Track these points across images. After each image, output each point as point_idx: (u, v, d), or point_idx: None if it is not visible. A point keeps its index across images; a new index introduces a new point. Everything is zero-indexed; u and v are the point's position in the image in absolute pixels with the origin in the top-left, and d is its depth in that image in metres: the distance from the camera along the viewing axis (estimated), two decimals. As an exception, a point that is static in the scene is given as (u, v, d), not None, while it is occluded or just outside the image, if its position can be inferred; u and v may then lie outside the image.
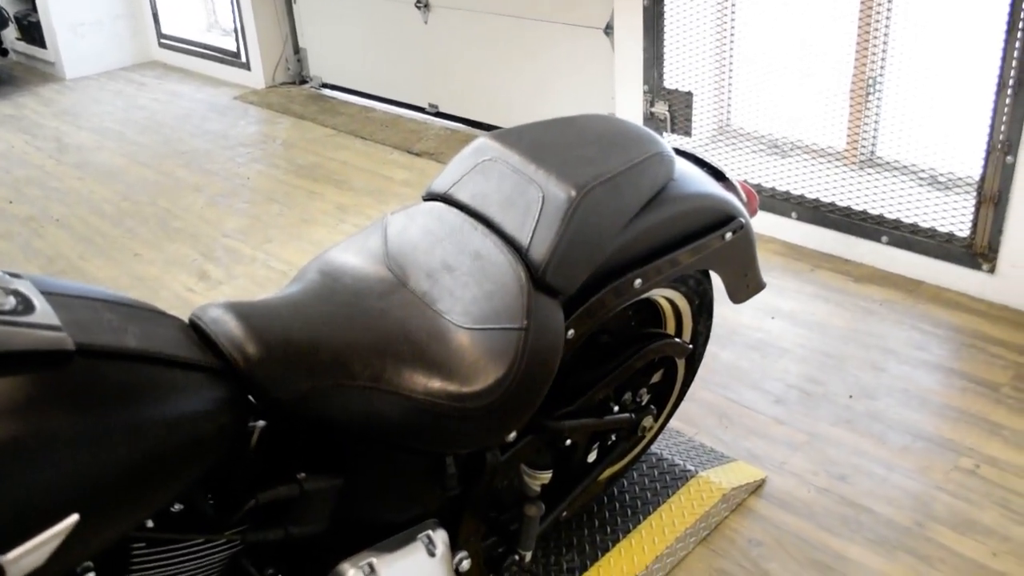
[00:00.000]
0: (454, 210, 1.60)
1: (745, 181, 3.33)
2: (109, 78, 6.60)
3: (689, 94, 3.57)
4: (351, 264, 1.55)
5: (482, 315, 1.45)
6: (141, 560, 1.22)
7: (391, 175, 4.43)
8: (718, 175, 1.90)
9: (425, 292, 1.51)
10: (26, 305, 1.06)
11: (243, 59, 6.04)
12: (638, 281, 1.67)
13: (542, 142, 1.62)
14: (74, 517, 0.98)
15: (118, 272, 3.63)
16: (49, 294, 1.14)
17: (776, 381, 2.68)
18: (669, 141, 3.68)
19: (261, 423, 1.36)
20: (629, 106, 3.78)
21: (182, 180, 4.53)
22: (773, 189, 3.44)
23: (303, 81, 6.00)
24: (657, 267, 1.70)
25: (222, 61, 6.26)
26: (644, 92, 3.69)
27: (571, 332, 1.59)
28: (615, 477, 2.12)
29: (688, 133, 3.63)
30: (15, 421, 0.96)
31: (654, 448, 2.31)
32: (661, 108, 3.66)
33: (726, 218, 1.82)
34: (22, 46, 7.07)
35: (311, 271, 1.55)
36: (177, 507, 1.26)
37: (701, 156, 1.92)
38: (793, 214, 3.40)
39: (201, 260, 3.69)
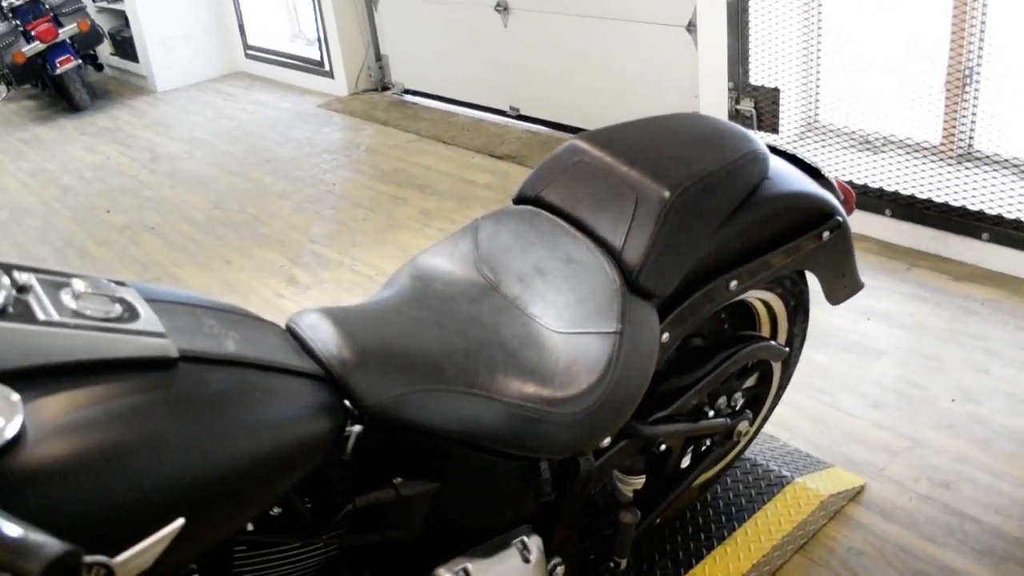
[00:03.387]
0: (545, 213, 1.58)
1: (839, 179, 3.25)
2: (198, 89, 6.78)
3: (776, 90, 3.49)
4: (443, 269, 1.55)
5: (576, 319, 1.43)
6: (242, 562, 1.24)
7: (474, 179, 4.44)
8: (814, 173, 1.84)
9: (517, 296, 1.50)
10: (131, 312, 1.08)
11: (327, 67, 6.14)
12: (733, 283, 1.63)
13: (633, 143, 1.60)
14: (180, 521, 0.99)
15: (210, 279, 3.71)
16: (152, 301, 1.16)
17: (873, 384, 2.59)
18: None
19: (357, 428, 1.36)
20: (714, 104, 3.72)
21: (269, 187, 4.62)
22: (865, 186, 3.34)
23: (385, 88, 6.07)
24: (752, 268, 1.65)
25: (306, 70, 6.37)
26: (729, 89, 3.62)
27: (665, 336, 1.56)
28: (709, 483, 2.08)
29: (775, 130, 3.55)
30: (122, 426, 0.98)
31: (748, 453, 2.26)
32: (747, 105, 3.59)
33: (823, 217, 1.77)
34: (116, 61, 7.32)
35: (403, 276, 1.55)
36: (276, 511, 1.27)
37: (795, 153, 1.87)
38: (887, 211, 3.29)
39: (289, 266, 3.75)
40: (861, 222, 3.37)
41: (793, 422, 2.47)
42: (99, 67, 7.31)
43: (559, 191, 1.60)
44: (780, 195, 1.68)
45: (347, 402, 1.28)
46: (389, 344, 1.32)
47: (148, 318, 1.09)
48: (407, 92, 5.89)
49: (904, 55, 3.32)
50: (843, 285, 1.94)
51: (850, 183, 3.37)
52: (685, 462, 1.92)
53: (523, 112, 5.06)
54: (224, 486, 1.05)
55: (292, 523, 1.28)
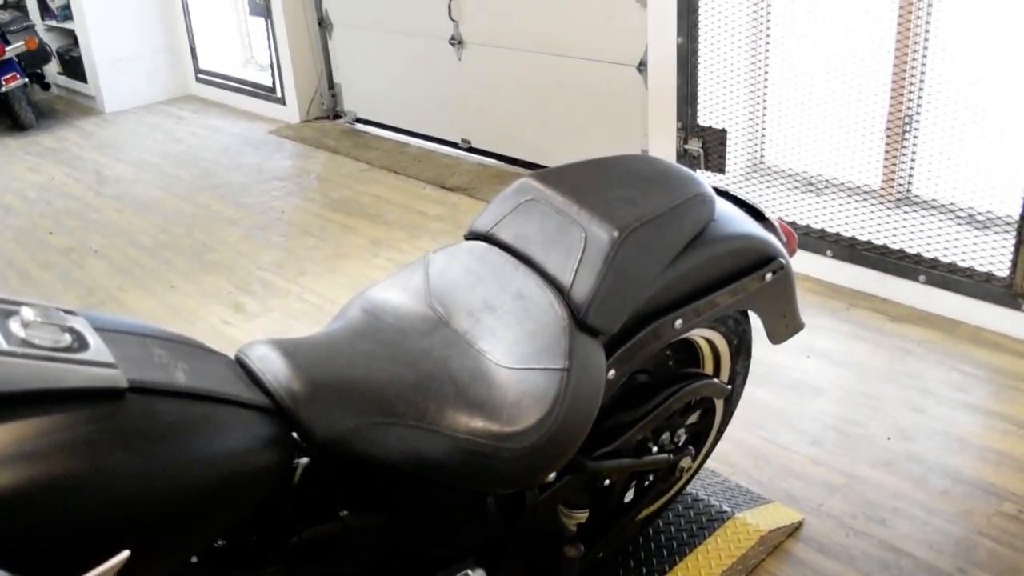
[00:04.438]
0: (496, 250, 1.61)
1: (783, 219, 3.33)
2: (148, 112, 6.71)
3: (723, 131, 3.57)
4: (393, 302, 1.57)
5: (524, 355, 1.46)
6: (185, 597, 1.23)
7: (424, 210, 4.46)
8: (757, 215, 1.90)
9: (467, 331, 1.52)
10: (81, 342, 1.08)
11: (278, 94, 6.13)
12: (678, 322, 1.67)
13: (584, 183, 1.63)
14: (125, 553, 0.99)
15: (155, 303, 3.67)
16: (102, 330, 1.16)
17: (813, 421, 2.65)
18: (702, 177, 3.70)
19: (304, 460, 1.36)
20: (662, 143, 3.80)
21: (218, 213, 4.59)
22: (808, 227, 3.43)
23: (337, 116, 6.07)
24: (697, 308, 1.70)
25: (258, 96, 6.35)
26: (678, 129, 3.70)
27: (612, 372, 1.59)
28: (651, 517, 2.10)
29: (722, 170, 3.63)
30: (69, 457, 0.97)
31: (690, 488, 2.29)
32: (695, 145, 3.67)
33: (766, 259, 1.82)
34: (63, 80, 7.22)
35: (353, 309, 1.56)
36: (220, 543, 1.27)
37: (740, 196, 1.93)
38: (828, 252, 3.38)
39: (236, 292, 3.73)
40: (803, 262, 3.46)
41: (734, 458, 2.51)
42: (46, 86, 7.22)
43: (510, 228, 1.62)
44: (726, 237, 1.73)
45: (296, 435, 1.28)
46: (340, 377, 1.32)
47: (98, 348, 1.09)
48: (359, 121, 5.90)
49: (848, 100, 3.43)
50: (785, 325, 1.99)
51: (793, 223, 3.46)
52: (628, 496, 1.95)
53: (474, 145, 5.10)
54: (171, 518, 1.04)
55: (236, 555, 1.27)
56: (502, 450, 1.37)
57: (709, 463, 2.46)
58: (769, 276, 1.82)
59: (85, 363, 1.04)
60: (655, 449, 1.84)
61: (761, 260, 1.81)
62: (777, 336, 1.98)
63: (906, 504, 2.31)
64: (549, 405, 1.40)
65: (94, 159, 5.65)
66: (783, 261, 1.85)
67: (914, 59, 3.20)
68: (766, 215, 1.90)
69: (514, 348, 1.47)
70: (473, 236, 1.68)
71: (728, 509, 2.23)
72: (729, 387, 1.95)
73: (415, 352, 1.45)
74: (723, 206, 1.81)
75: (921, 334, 3.06)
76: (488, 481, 1.39)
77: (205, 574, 1.24)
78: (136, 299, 3.72)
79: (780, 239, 1.92)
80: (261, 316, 3.52)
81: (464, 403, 1.39)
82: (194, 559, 1.23)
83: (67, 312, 1.15)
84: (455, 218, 4.32)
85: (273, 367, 1.29)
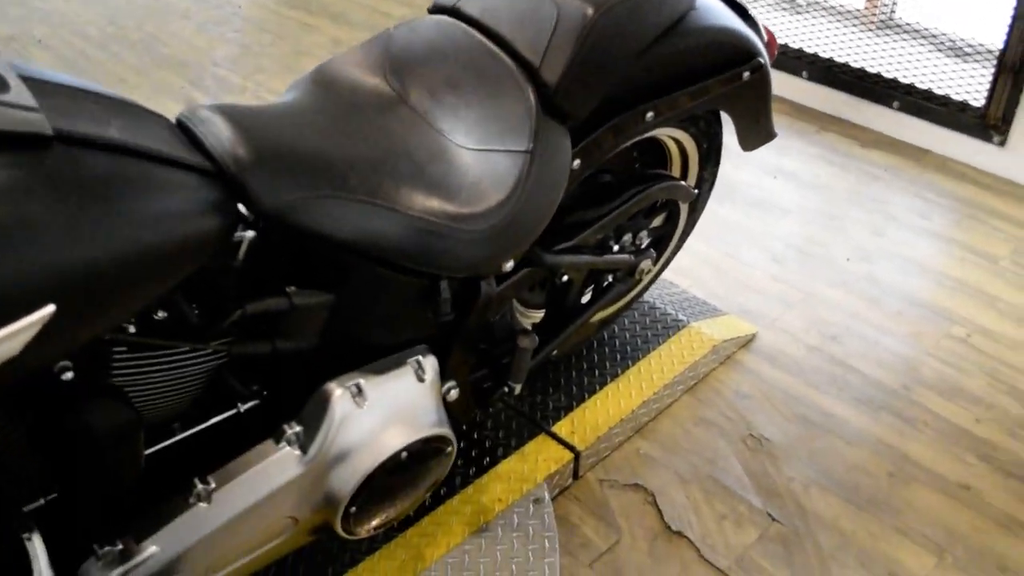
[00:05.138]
0: (462, 25, 1.50)
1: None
2: None
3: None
4: (350, 76, 1.47)
5: (486, 136, 1.38)
6: (122, 364, 1.19)
7: (390, 11, 4.25)
8: (741, 11, 1.79)
9: (427, 110, 1.43)
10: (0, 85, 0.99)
11: None
12: (650, 114, 1.59)
13: None
14: (50, 308, 0.93)
15: (103, 96, 3.49)
16: (27, 79, 1.06)
17: (775, 239, 2.64)
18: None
19: (251, 234, 1.30)
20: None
21: (170, 5, 4.33)
22: (785, 45, 3.32)
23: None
24: (671, 100, 1.62)
25: None
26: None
27: (577, 162, 1.52)
28: (607, 321, 2.09)
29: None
30: None
31: (647, 297, 2.28)
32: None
33: (746, 56, 1.73)
34: None
35: (306, 82, 1.46)
36: (161, 314, 1.21)
37: (723, -11, 1.81)
38: (804, 73, 3.28)
39: (189, 88, 3.56)
40: (778, 82, 3.36)
41: (694, 270, 2.50)
42: None
43: (478, 3, 1.51)
44: (705, 28, 1.63)
45: (241, 205, 1.21)
46: (290, 145, 1.24)
47: (19, 91, 0.99)
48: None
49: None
50: (757, 131, 1.92)
51: (771, 42, 3.34)
52: (586, 298, 1.92)
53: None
54: (99, 277, 0.98)
55: (178, 327, 1.22)
56: (459, 231, 1.32)
57: (668, 274, 2.44)
58: (747, 75, 1.74)
59: (3, 104, 0.95)
60: (616, 249, 1.80)
61: (740, 57, 1.72)
62: (749, 142, 1.92)
63: (859, 323, 2.32)
64: (510, 187, 1.34)
65: (36, -57, 5.27)
66: (762, 60, 1.76)
67: None
68: (749, 12, 1.80)
69: (476, 129, 1.39)
70: (438, 9, 1.56)
71: (684, 318, 2.23)
72: (696, 191, 1.90)
73: (370, 128, 1.37)
74: (705, -4, 1.70)
75: (889, 160, 3.01)
76: (443, 264, 1.34)
77: (142, 344, 1.19)
78: (83, 90, 3.54)
79: (761, 38, 1.82)
80: (215, 113, 3.37)
81: (421, 182, 1.32)
82: (132, 328, 1.18)
83: (-13, 51, 1.04)
84: (421, 23, 4.12)
85: (217, 131, 1.20)
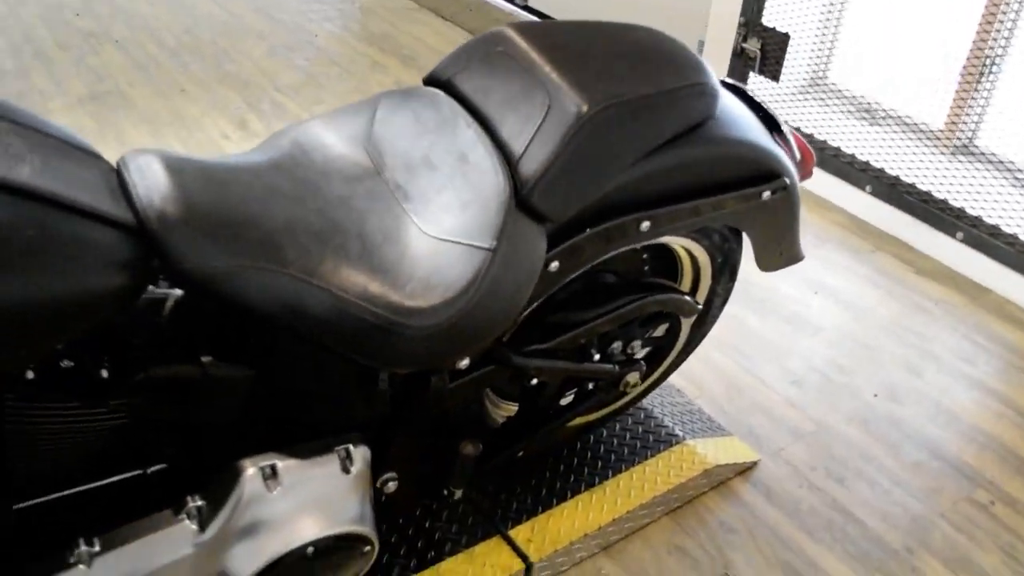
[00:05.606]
0: (452, 101, 1.40)
1: (798, 130, 3.06)
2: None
3: (786, 35, 3.26)
4: (328, 140, 1.38)
5: (451, 226, 1.28)
6: (13, 413, 1.11)
7: (461, 61, 4.20)
8: (771, 123, 1.66)
9: (399, 186, 1.34)
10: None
11: (345, -87, 5.79)
12: (646, 224, 1.47)
13: (566, 44, 1.41)
14: None
15: (161, 105, 3.51)
16: None
17: (800, 359, 2.47)
18: (752, 82, 3.41)
19: (178, 292, 1.22)
20: (720, 37, 3.49)
21: (249, 24, 4.37)
22: (852, 156, 3.16)
23: (400, -52, 5.74)
24: (672, 213, 1.49)
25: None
26: (739, 24, 3.39)
27: (555, 264, 1.41)
28: (589, 426, 1.96)
29: (776, 78, 3.34)
30: None
31: (645, 403, 2.14)
32: (753, 45, 3.36)
33: (768, 174, 1.60)
34: None
35: (283, 137, 1.38)
36: (66, 363, 1.13)
37: (757, 99, 1.69)
38: (868, 187, 3.12)
39: (245, 109, 3.55)
40: (839, 193, 3.20)
41: (704, 380, 2.35)
42: None
43: (472, 79, 1.41)
44: (722, 139, 1.50)
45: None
46: (226, 207, 1.16)
47: None
48: (422, -43, 5.57)
49: (929, 29, 3.10)
50: (779, 252, 1.78)
51: (836, 150, 3.19)
52: (567, 399, 1.79)
53: (530, 4, 4.78)
54: None
55: (78, 380, 1.14)
56: (400, 325, 1.21)
57: (676, 380, 2.30)
58: (767, 195, 1.61)
59: None
60: (597, 357, 1.67)
61: (760, 175, 1.59)
62: (767, 263, 1.78)
63: (872, 468, 2.14)
64: (463, 286, 1.23)
65: (142, -54, 5.41)
66: (787, 181, 1.63)
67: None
68: (781, 125, 1.67)
69: (442, 216, 1.29)
70: (432, 81, 1.47)
71: (680, 433, 2.08)
72: (699, 306, 1.76)
73: (330, 197, 1.28)
74: (730, 104, 1.58)
75: (942, 293, 2.82)
76: (379, 357, 1.23)
77: (42, 395, 1.11)
78: (143, 97, 3.56)
79: (793, 156, 1.69)
80: (263, 136, 3.35)
81: (368, 265, 1.22)
82: (30, 375, 1.10)
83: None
84: (490, 76, 4.07)
85: (149, 181, 1.12)
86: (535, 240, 1.31)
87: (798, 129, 3.30)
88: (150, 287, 1.19)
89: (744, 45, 3.39)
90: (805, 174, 1.77)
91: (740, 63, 3.43)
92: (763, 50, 3.35)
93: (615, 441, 2.03)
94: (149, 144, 3.19)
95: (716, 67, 3.50)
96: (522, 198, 1.29)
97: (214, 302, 1.14)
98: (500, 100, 1.36)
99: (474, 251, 1.24)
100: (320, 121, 1.43)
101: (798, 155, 1.72)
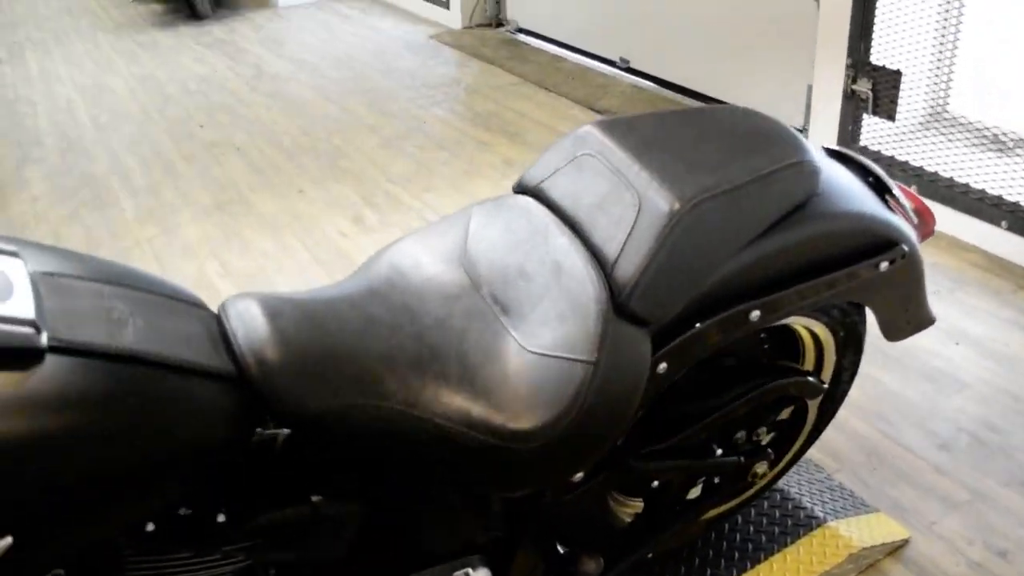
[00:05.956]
0: (543, 209, 1.39)
1: (912, 190, 2.91)
2: (318, 8, 6.70)
3: (898, 73, 3.13)
4: (424, 259, 1.38)
5: (551, 340, 1.25)
6: (134, 567, 1.13)
7: (567, 131, 4.22)
8: (882, 189, 1.58)
9: (497, 300, 1.32)
10: (3, 291, 0.96)
11: (444, -3, 5.97)
12: (755, 313, 1.40)
13: (654, 138, 1.37)
14: (7, 540, 0.88)
15: (280, 207, 3.64)
16: (50, 275, 1.04)
17: (946, 421, 2.31)
18: (867, 124, 3.28)
19: (286, 431, 1.23)
20: (828, 80, 3.38)
21: (361, 119, 4.51)
22: (983, 191, 2.98)
23: (499, 24, 5.85)
24: (783, 299, 1.42)
25: (424, -3, 6.21)
26: (847, 66, 3.28)
27: (663, 366, 1.36)
28: (721, 517, 1.87)
29: (891, 117, 3.20)
30: None
31: (782, 483, 2.04)
32: (864, 86, 3.24)
33: (883, 244, 1.51)
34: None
35: (380, 261, 1.39)
36: (184, 511, 1.15)
37: (866, 163, 1.61)
38: (1004, 223, 2.93)
39: (360, 204, 3.64)
40: (973, 231, 3.03)
41: (844, 452, 2.22)
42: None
43: (561, 185, 1.40)
44: (829, 215, 1.43)
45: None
46: (324, 346, 1.16)
47: (20, 299, 0.97)
48: (520, 31, 5.66)
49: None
50: (905, 320, 1.68)
51: (966, 186, 3.02)
52: (695, 492, 1.72)
53: (633, 65, 4.78)
54: (66, 500, 0.92)
55: (199, 528, 1.16)
56: (504, 450, 1.18)
57: (813, 453, 2.18)
58: (884, 265, 1.52)
59: (-1, 319, 0.92)
60: (719, 452, 1.60)
61: (875, 246, 1.50)
62: (894, 333, 1.68)
63: (1039, 536, 1.97)
64: (567, 403, 1.20)
65: (257, 53, 5.69)
66: (905, 249, 1.54)
67: None
68: (893, 190, 1.58)
69: (541, 330, 1.26)
70: (522, 189, 1.46)
71: (820, 514, 1.96)
72: (825, 386, 1.67)
73: (428, 320, 1.27)
74: (835, 176, 1.50)
75: (1101, 332, 2.61)
76: (487, 482, 1.21)
77: (160, 546, 1.13)
78: (263, 201, 3.70)
79: (909, 219, 1.60)
80: (379, 231, 3.43)
81: (470, 389, 1.21)
82: (150, 527, 1.13)
83: (8, 253, 1.03)
84: (596, 144, 4.06)
85: (248, 328, 1.14)
86: (638, 345, 1.27)
87: (915, 182, 3.14)
88: (258, 429, 1.21)
89: (854, 87, 3.27)
90: (926, 234, 1.67)
91: (852, 105, 3.31)
92: (875, 90, 3.23)
93: (751, 528, 1.94)
94: (270, 248, 3.31)
95: (826, 110, 3.40)
96: (620, 303, 1.26)
97: (320, 440, 1.14)
98: (590, 204, 1.34)
99: (576, 365, 1.21)
100: (414, 239, 1.43)
101: (915, 217, 1.62)
